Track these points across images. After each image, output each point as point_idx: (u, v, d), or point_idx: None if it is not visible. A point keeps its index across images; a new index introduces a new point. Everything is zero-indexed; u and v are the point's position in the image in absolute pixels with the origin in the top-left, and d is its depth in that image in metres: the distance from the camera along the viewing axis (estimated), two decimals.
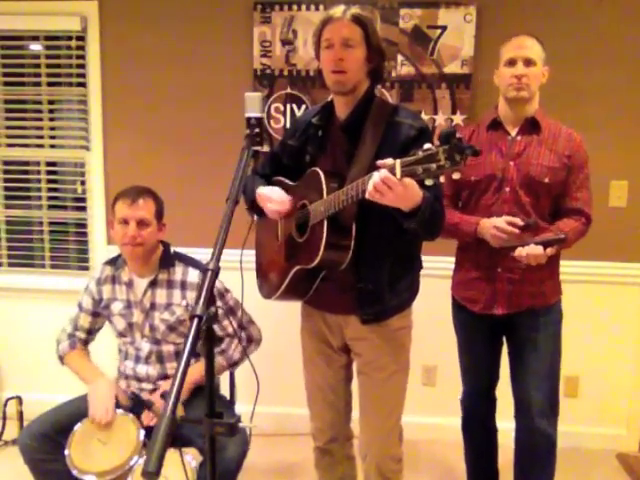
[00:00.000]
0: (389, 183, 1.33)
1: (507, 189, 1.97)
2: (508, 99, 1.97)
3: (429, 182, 1.28)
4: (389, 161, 1.34)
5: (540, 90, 2.00)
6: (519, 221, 1.88)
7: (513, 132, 2.00)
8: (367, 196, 1.39)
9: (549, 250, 1.85)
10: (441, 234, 1.86)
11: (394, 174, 1.31)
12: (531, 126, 1.98)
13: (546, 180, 1.94)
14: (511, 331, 2.08)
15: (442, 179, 1.33)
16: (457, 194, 2.09)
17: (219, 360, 2.00)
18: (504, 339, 2.15)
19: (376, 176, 1.35)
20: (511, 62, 1.93)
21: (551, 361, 2.03)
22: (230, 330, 2.04)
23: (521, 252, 1.85)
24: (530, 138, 1.98)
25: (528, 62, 1.91)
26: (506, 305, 2.01)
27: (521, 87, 1.91)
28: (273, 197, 1.72)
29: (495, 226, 1.89)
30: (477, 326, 2.11)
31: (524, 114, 1.98)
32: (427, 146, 1.26)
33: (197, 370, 1.90)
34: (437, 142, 1.25)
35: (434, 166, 1.24)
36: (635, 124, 2.71)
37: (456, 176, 1.26)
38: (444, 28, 2.68)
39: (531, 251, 1.83)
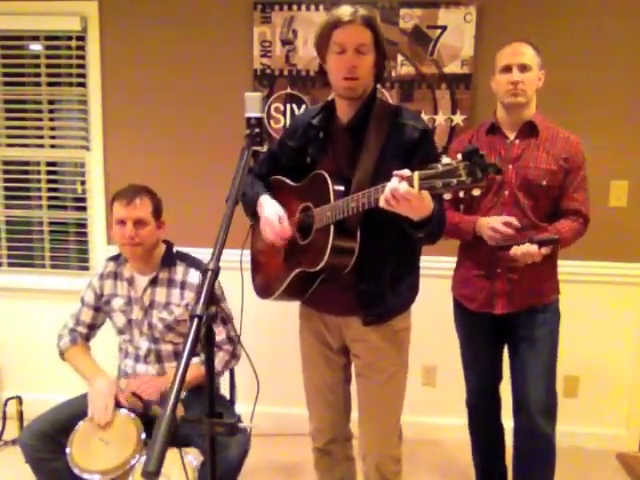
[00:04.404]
0: (407, 195, 1.31)
1: (506, 192, 2.01)
2: (505, 105, 2.01)
3: (448, 196, 1.26)
4: (406, 172, 1.32)
5: (538, 92, 2.02)
6: (514, 221, 1.92)
7: (511, 136, 2.03)
8: (381, 203, 1.37)
9: (544, 249, 1.88)
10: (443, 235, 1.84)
11: (412, 186, 1.29)
12: (529, 130, 2.02)
13: (544, 183, 1.98)
14: (510, 330, 2.09)
15: None
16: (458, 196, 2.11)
17: (202, 370, 1.94)
18: (504, 337, 2.15)
19: (395, 184, 1.33)
20: (507, 69, 1.97)
21: (549, 359, 2.05)
22: (218, 339, 2.01)
23: (516, 251, 1.88)
24: (528, 142, 2.01)
25: (523, 68, 1.95)
26: (506, 305, 2.04)
27: (517, 93, 1.95)
28: (274, 227, 1.67)
29: (491, 227, 1.94)
30: (476, 324, 2.14)
31: (522, 118, 2.01)
32: (446, 160, 1.24)
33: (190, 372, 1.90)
34: (459, 157, 1.23)
35: (454, 181, 1.22)
36: (635, 125, 2.71)
37: (476, 192, 1.23)
38: (444, 28, 2.68)
39: (526, 250, 1.87)
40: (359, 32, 1.57)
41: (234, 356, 2.06)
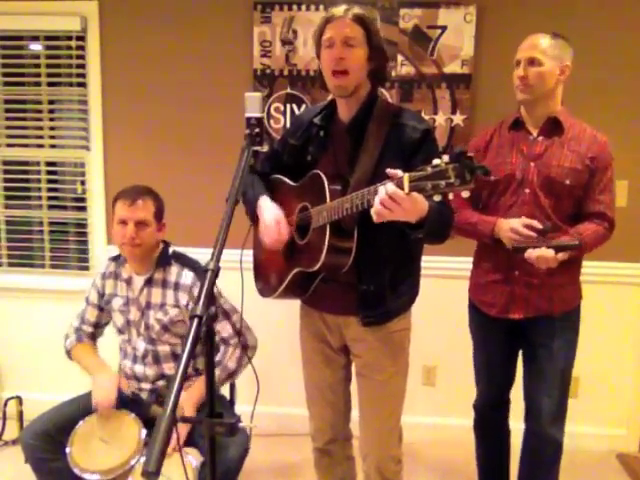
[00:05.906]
0: (397, 198, 1.30)
1: (527, 190, 1.93)
2: (519, 101, 1.96)
3: (437, 198, 1.25)
4: (398, 172, 1.31)
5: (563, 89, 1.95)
6: (537, 224, 1.83)
7: (534, 132, 1.96)
8: (375, 219, 1.35)
9: (561, 255, 1.80)
10: (458, 234, 1.81)
11: (401, 188, 1.29)
12: (553, 126, 1.94)
13: (567, 182, 1.89)
14: (527, 335, 2.02)
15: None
16: (477, 194, 2.03)
17: (216, 373, 1.94)
18: (520, 342, 2.09)
19: (382, 191, 1.32)
20: (517, 63, 1.93)
21: (564, 368, 1.99)
22: (224, 335, 2.00)
23: (531, 254, 1.80)
24: (551, 139, 1.93)
25: (531, 62, 1.88)
26: (523, 309, 1.97)
27: (522, 88, 1.90)
28: (272, 232, 1.66)
29: (512, 228, 1.86)
30: (493, 328, 2.07)
31: (542, 114, 1.94)
32: (436, 162, 1.23)
33: (200, 388, 1.90)
34: (447, 158, 1.22)
35: (443, 183, 1.21)
36: (635, 125, 2.71)
37: (465, 194, 1.22)
38: (444, 28, 2.68)
39: (542, 254, 1.79)
40: (348, 26, 1.59)
41: (245, 348, 2.03)
